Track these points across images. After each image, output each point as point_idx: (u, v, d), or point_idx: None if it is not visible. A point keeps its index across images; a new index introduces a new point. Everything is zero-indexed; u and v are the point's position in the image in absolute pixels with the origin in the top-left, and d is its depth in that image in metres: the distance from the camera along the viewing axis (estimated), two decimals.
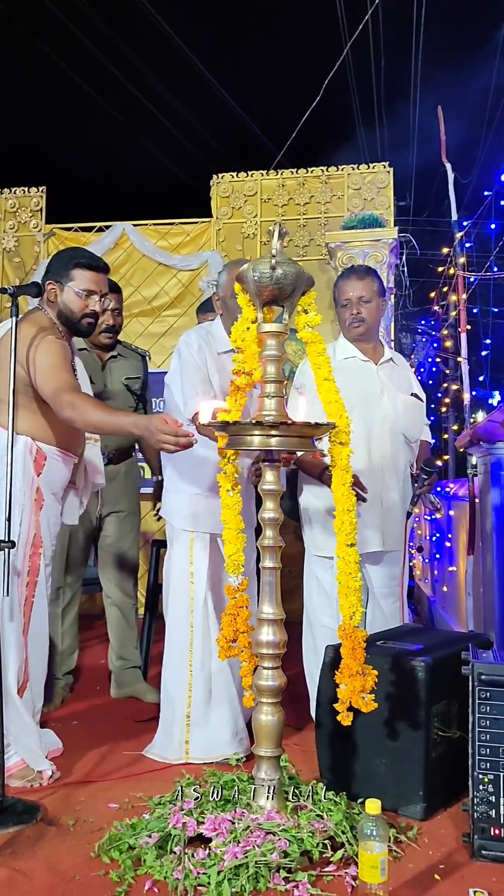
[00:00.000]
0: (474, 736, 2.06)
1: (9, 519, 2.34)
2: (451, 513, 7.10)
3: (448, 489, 7.05)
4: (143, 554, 4.50)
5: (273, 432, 2.05)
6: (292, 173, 5.91)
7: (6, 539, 2.30)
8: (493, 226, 5.78)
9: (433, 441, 3.31)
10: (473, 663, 2.09)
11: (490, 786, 2.04)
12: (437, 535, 7.61)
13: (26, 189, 6.17)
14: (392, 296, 5.44)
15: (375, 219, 5.25)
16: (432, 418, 8.11)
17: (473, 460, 4.18)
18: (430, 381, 7.78)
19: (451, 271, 6.27)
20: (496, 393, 6.69)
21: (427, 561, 8.10)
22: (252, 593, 2.48)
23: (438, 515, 3.24)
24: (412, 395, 3.10)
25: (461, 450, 6.29)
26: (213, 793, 2.14)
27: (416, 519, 6.44)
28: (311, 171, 5.87)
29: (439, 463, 7.97)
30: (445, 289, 6.77)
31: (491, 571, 3.87)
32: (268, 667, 2.12)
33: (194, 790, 2.20)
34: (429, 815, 2.28)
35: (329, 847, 1.96)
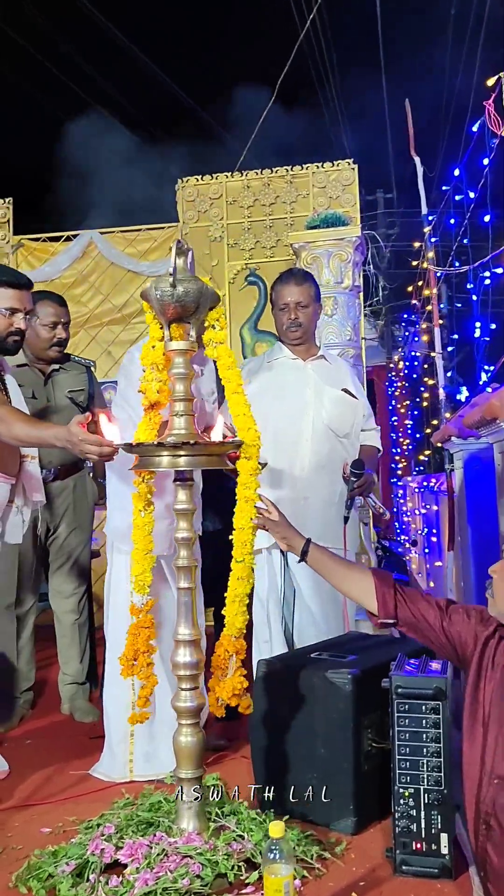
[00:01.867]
0: (394, 750, 2.04)
1: None
2: (436, 508, 7.07)
3: (432, 483, 7.03)
4: None
5: (180, 452, 2.03)
6: (257, 174, 5.88)
7: None
8: (451, 220, 5.74)
9: (380, 449, 3.27)
10: (391, 676, 2.06)
11: (410, 800, 2.01)
12: (426, 529, 7.61)
13: None
14: (360, 294, 5.39)
15: (338, 217, 5.20)
16: (416, 412, 8.05)
17: (452, 456, 4.17)
18: (414, 376, 7.74)
19: (424, 265, 6.23)
20: (463, 388, 6.65)
21: (420, 556, 8.09)
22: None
23: (385, 518, 3.19)
24: (343, 390, 3.10)
25: (438, 445, 6.25)
26: (135, 816, 2.13)
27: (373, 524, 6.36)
28: (276, 171, 5.84)
29: (423, 457, 7.94)
30: (420, 283, 6.75)
31: (469, 566, 3.86)
32: (185, 688, 2.10)
33: (118, 813, 2.18)
34: (360, 829, 2.25)
35: (244, 869, 1.94)
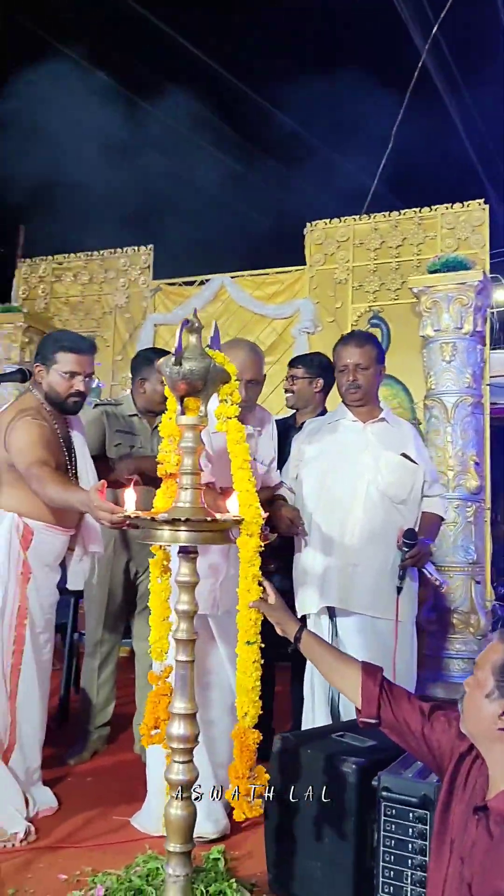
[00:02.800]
0: (378, 856, 1.93)
1: None
2: None
3: None
4: None
5: (182, 527, 2.06)
6: (385, 216, 5.81)
7: None
8: None
9: (443, 517, 3.12)
10: (380, 775, 1.96)
11: None
12: None
13: (136, 248, 6.54)
14: (483, 339, 5.16)
15: (460, 261, 5.03)
16: None
17: None
18: None
19: None
20: None
21: None
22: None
23: (443, 590, 3.01)
24: (402, 455, 2.99)
25: None
26: (126, 881, 2.16)
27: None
28: (404, 213, 5.73)
29: None
30: None
31: None
32: (178, 761, 2.11)
33: (114, 874, 2.23)
34: None
35: None
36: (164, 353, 3.60)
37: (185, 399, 2.20)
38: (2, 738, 2.74)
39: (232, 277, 6.17)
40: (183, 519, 2.01)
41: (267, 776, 2.02)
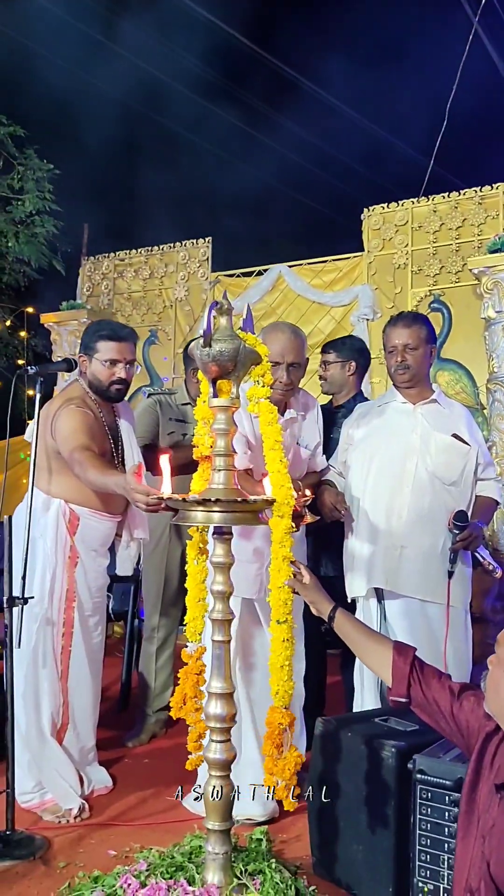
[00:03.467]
0: (414, 839, 1.90)
1: (24, 578, 2.58)
2: None
3: None
4: None
5: (214, 508, 2.07)
6: (444, 197, 5.67)
7: (21, 596, 2.56)
8: None
9: (498, 501, 3.03)
10: (416, 758, 1.93)
11: None
12: None
13: (195, 241, 6.59)
14: None
15: None
16: None
17: None
18: None
19: None
20: None
21: None
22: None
23: (497, 575, 2.91)
24: (453, 435, 2.92)
25: None
26: (168, 857, 2.20)
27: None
28: (464, 193, 5.59)
29: None
30: None
31: None
32: (216, 740, 2.13)
33: (159, 851, 2.26)
34: None
35: None
36: None
37: (218, 381, 2.22)
38: (55, 718, 2.81)
39: (289, 266, 6.14)
40: (214, 500, 2.02)
41: (298, 755, 2.01)
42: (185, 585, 2.30)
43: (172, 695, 2.25)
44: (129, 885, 2.10)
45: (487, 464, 3.04)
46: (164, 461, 2.15)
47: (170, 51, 6.48)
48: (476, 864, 1.50)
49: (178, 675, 2.24)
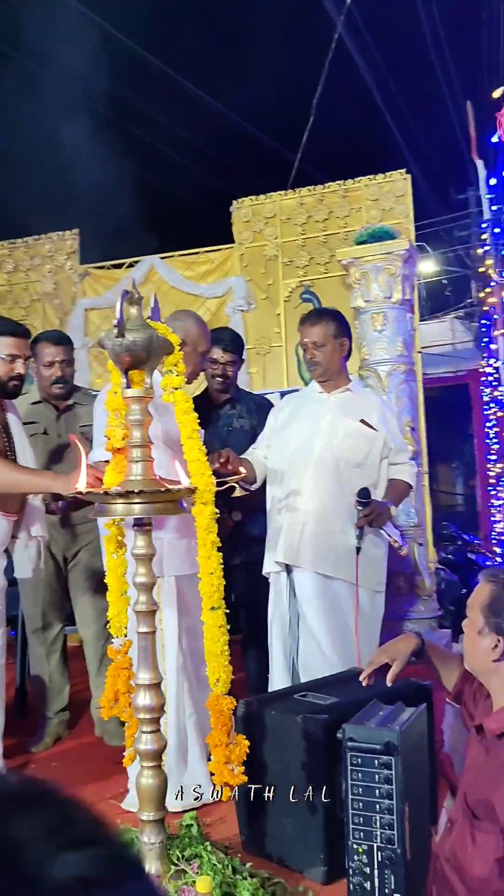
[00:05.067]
0: (347, 804, 1.99)
1: None
2: None
3: None
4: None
5: (135, 499, 2.06)
6: (310, 190, 5.85)
7: None
8: (496, 230, 5.48)
9: (411, 484, 3.20)
10: (345, 727, 2.01)
11: (364, 856, 1.96)
12: None
13: (61, 233, 6.43)
14: (412, 307, 5.26)
15: (386, 231, 5.10)
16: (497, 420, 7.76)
17: None
18: (495, 382, 7.47)
19: (490, 272, 5.99)
20: None
21: None
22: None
23: (403, 552, 3.07)
24: (361, 421, 3.07)
25: None
26: None
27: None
28: (328, 187, 5.79)
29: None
30: (488, 289, 6.48)
31: None
32: (146, 731, 2.13)
33: None
34: (332, 880, 2.21)
35: None
36: (40, 336, 3.56)
37: (130, 372, 2.20)
38: None
39: (161, 258, 6.13)
40: (137, 491, 2.02)
41: (247, 742, 2.05)
42: (105, 581, 2.28)
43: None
44: None
45: (400, 449, 3.19)
46: (82, 455, 2.13)
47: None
48: (458, 798, 1.64)
49: (107, 674, 2.22)
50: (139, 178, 5.92)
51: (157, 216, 5.93)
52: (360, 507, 2.91)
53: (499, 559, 8.71)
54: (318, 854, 2.21)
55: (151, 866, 2.08)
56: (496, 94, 3.66)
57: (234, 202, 6.02)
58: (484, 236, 5.87)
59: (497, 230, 5.37)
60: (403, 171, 5.60)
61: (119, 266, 6.29)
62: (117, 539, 2.27)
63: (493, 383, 7.42)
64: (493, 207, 5.13)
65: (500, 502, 7.50)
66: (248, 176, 6.77)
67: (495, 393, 6.59)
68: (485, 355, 8.64)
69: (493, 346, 6.75)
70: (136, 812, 2.73)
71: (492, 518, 10.18)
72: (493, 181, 5.05)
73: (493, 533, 10.41)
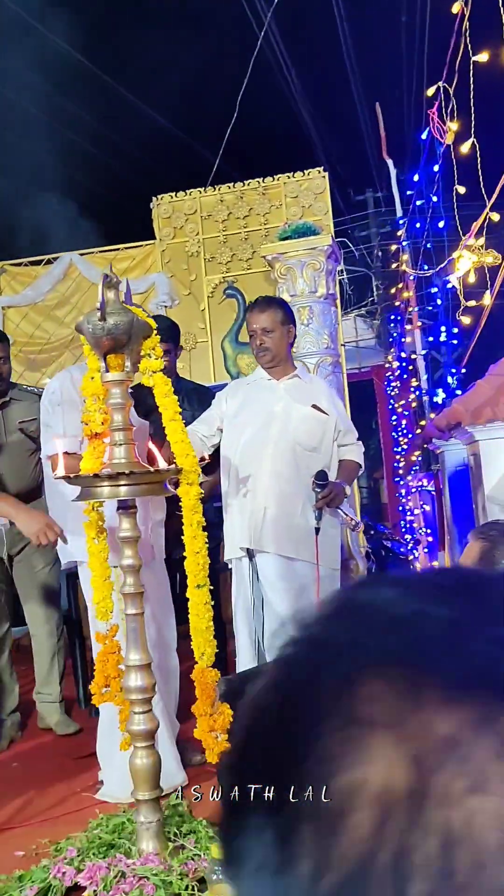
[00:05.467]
0: None
1: None
2: (428, 507, 7.08)
3: (423, 483, 7.05)
4: None
5: (122, 482, 2.07)
6: (230, 188, 5.93)
7: None
8: (417, 224, 5.75)
9: (360, 464, 3.31)
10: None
11: None
12: (426, 528, 7.63)
13: None
14: (336, 301, 5.43)
15: (309, 227, 5.24)
16: (407, 412, 8.07)
17: (437, 456, 4.21)
18: (405, 376, 7.79)
19: (405, 269, 6.25)
20: (439, 391, 6.65)
21: (424, 555, 8.10)
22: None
23: (359, 529, 3.20)
24: (313, 406, 3.16)
25: (424, 447, 6.27)
26: (97, 838, 2.18)
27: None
28: (248, 184, 5.88)
29: (414, 458, 7.95)
30: (400, 285, 6.76)
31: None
32: (138, 711, 2.15)
33: (80, 836, 2.23)
34: None
35: (197, 888, 1.99)
36: None
37: (108, 356, 2.22)
38: None
39: (81, 255, 6.06)
40: (127, 472, 2.04)
41: (230, 711, 2.10)
42: (88, 566, 2.28)
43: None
44: (65, 872, 2.05)
45: (347, 430, 3.30)
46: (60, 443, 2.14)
47: None
48: None
49: (95, 659, 2.22)
50: (58, 175, 5.83)
51: (76, 212, 5.85)
52: (317, 490, 3.00)
53: (412, 545, 9.05)
54: None
55: (150, 845, 2.11)
56: (429, 92, 3.85)
57: (154, 199, 6.03)
58: (399, 233, 6.11)
59: (418, 225, 5.61)
60: (321, 168, 5.76)
61: (38, 263, 6.19)
62: (97, 524, 2.28)
63: (404, 377, 7.71)
64: (419, 202, 5.34)
65: (413, 490, 7.81)
66: (168, 173, 6.79)
67: (412, 382, 6.86)
68: (393, 350, 8.95)
69: (405, 340, 7.02)
70: (112, 801, 2.76)
71: (403, 507, 10.57)
72: (416, 177, 5.26)
73: (402, 522, 10.82)
